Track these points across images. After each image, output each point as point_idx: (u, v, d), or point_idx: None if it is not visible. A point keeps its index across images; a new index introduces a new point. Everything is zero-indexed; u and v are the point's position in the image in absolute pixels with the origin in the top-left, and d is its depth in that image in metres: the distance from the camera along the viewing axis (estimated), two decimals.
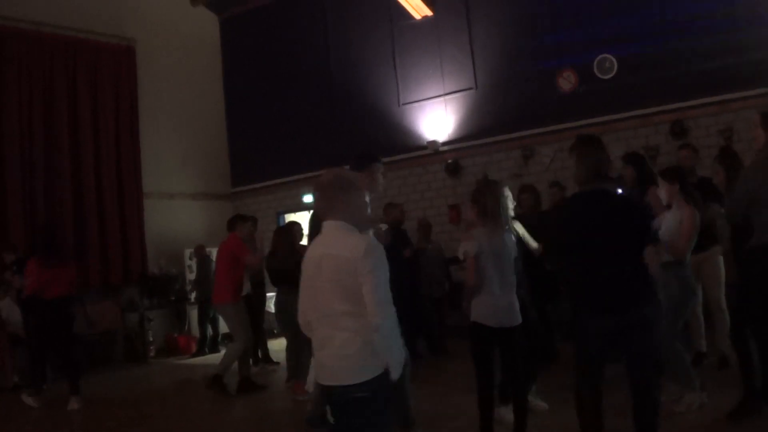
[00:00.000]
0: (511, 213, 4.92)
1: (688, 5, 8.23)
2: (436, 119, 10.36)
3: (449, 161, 10.21)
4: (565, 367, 4.51)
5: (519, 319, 4.15)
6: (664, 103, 8.44)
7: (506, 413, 4.55)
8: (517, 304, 4.16)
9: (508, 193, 4.74)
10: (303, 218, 10.68)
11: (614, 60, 8.80)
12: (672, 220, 4.64)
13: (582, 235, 3.45)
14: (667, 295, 4.58)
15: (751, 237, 4.24)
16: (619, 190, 5.88)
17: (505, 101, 9.71)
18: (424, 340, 8.00)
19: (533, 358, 4.98)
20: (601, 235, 3.39)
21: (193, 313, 10.71)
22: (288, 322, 6.77)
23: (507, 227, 4.36)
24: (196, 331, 10.56)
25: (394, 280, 2.71)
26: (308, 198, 11.55)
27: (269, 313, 8.37)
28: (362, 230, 2.82)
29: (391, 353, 2.59)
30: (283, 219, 11.70)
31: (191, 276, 11.02)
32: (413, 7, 10.24)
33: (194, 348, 10.34)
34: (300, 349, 6.60)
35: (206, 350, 10.06)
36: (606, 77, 8.88)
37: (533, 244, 5.09)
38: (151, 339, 10.47)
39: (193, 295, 10.67)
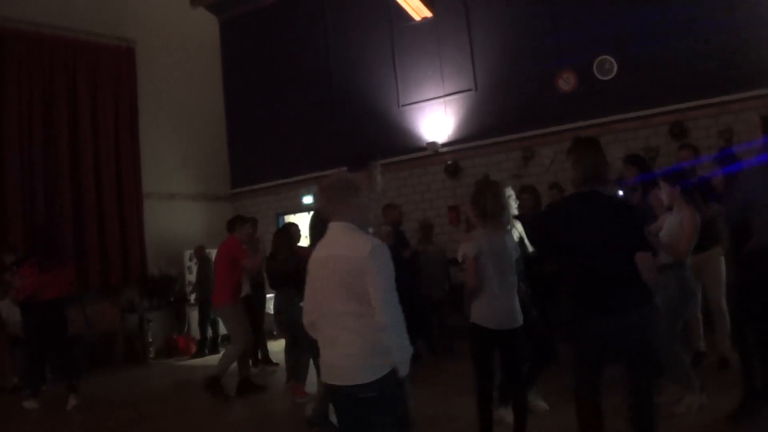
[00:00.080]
0: (514, 211, 4.92)
1: (688, 6, 8.23)
2: (436, 120, 10.37)
3: (449, 162, 10.21)
4: (566, 368, 4.50)
5: (520, 321, 4.13)
6: (664, 104, 8.44)
7: (506, 414, 4.55)
8: (518, 306, 4.14)
9: (511, 192, 4.73)
10: (303, 219, 10.70)
11: (614, 61, 8.80)
12: (673, 222, 4.65)
13: (576, 235, 3.45)
14: (666, 296, 4.59)
15: (749, 238, 4.24)
16: (620, 192, 5.93)
17: (505, 102, 9.71)
18: (424, 341, 8.00)
19: (534, 359, 4.99)
20: (596, 236, 3.40)
21: (193, 315, 10.72)
22: (287, 323, 6.79)
23: (509, 227, 4.35)
24: (195, 332, 10.56)
25: (395, 281, 2.73)
26: (308, 199, 11.56)
27: (269, 314, 8.37)
28: (363, 231, 2.86)
29: (399, 351, 2.63)
30: (283, 220, 11.69)
31: (191, 277, 11.02)
32: (413, 9, 10.25)
33: (194, 349, 10.34)
34: (299, 350, 6.62)
35: (206, 351, 10.06)
36: (606, 78, 8.88)
37: (531, 247, 5.09)
38: (150, 340, 10.47)
39: (192, 297, 10.67)
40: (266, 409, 6.54)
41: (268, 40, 12.24)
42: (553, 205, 5.11)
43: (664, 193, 4.80)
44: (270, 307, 8.04)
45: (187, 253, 11.19)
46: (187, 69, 12.11)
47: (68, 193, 10.34)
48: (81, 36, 10.72)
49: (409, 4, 10.16)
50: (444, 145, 10.28)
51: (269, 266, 7.25)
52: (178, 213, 11.82)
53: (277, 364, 8.26)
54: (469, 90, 10.10)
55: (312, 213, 5.43)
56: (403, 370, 2.66)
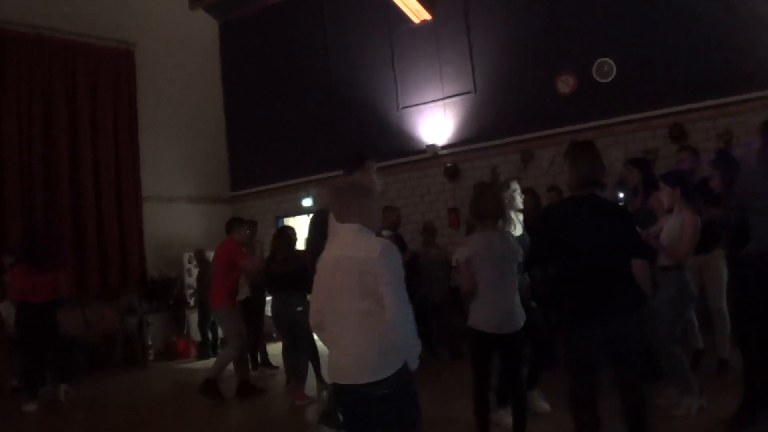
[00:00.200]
0: (520, 206, 4.89)
1: (687, 9, 8.25)
2: (436, 123, 10.37)
3: (448, 165, 10.21)
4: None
5: (520, 324, 4.10)
6: (663, 106, 8.45)
7: (505, 416, 4.54)
8: (518, 308, 4.11)
9: (516, 187, 4.71)
10: (302, 222, 10.71)
11: (613, 63, 8.81)
12: (673, 224, 4.65)
13: (571, 238, 3.45)
14: (666, 298, 4.59)
15: (747, 241, 4.24)
16: (621, 195, 5.93)
17: (505, 105, 9.72)
18: (423, 342, 7.97)
19: (536, 360, 4.98)
20: (590, 239, 3.40)
21: (192, 317, 10.70)
22: (285, 324, 6.78)
23: (512, 227, 4.33)
24: (195, 334, 10.55)
25: None
26: (307, 202, 11.56)
27: (268, 316, 8.36)
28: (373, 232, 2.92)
29: (409, 346, 2.70)
30: (282, 223, 11.69)
31: (190, 280, 11.00)
32: (412, 12, 10.27)
33: (193, 352, 10.32)
34: (297, 351, 6.62)
35: (210, 353, 9.99)
36: (605, 80, 8.88)
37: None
38: (150, 343, 10.45)
39: (192, 299, 10.65)
40: (266, 411, 6.54)
41: (268, 43, 12.25)
42: (549, 207, 5.11)
43: (664, 195, 4.80)
44: (269, 310, 8.03)
45: (187, 255, 11.19)
46: (186, 71, 12.12)
47: (68, 195, 10.34)
48: (81, 38, 10.73)
49: (408, 7, 10.18)
50: (443, 147, 10.29)
51: (268, 267, 7.23)
52: (177, 215, 11.82)
53: (276, 367, 8.24)
54: (468, 92, 10.10)
55: (313, 213, 5.42)
56: (413, 364, 2.73)
